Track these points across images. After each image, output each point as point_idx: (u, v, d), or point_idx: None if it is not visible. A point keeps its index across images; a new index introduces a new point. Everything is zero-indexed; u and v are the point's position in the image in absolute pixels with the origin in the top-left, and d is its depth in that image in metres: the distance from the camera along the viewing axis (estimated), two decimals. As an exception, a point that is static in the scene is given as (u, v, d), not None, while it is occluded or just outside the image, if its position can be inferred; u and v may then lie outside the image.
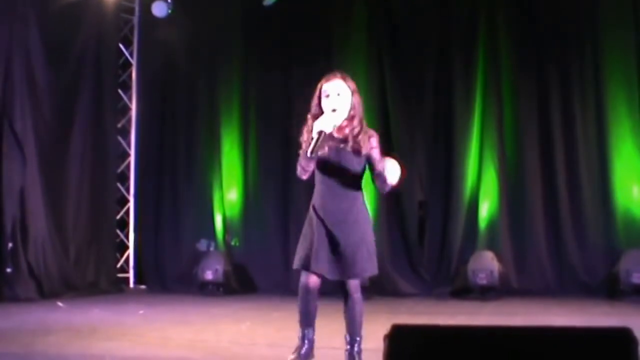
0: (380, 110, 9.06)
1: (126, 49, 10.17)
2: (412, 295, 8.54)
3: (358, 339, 4.09)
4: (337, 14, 9.41)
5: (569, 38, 8.74)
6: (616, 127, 8.49)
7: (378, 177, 4.01)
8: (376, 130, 4.24)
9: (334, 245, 4.00)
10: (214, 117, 9.84)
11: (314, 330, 4.15)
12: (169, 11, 9.45)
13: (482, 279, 8.06)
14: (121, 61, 10.11)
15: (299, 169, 4.05)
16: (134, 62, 10.24)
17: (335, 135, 4.06)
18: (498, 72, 8.92)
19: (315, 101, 4.11)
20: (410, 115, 9.08)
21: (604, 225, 8.49)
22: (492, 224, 8.75)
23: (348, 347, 4.09)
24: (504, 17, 8.96)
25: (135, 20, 10.21)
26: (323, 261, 3.99)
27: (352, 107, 4.08)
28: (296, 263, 4.10)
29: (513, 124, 8.91)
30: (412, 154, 8.96)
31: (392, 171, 3.93)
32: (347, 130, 4.07)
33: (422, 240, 9.00)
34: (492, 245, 8.58)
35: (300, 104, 8.99)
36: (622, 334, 2.21)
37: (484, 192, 8.81)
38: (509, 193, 8.79)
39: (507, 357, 2.23)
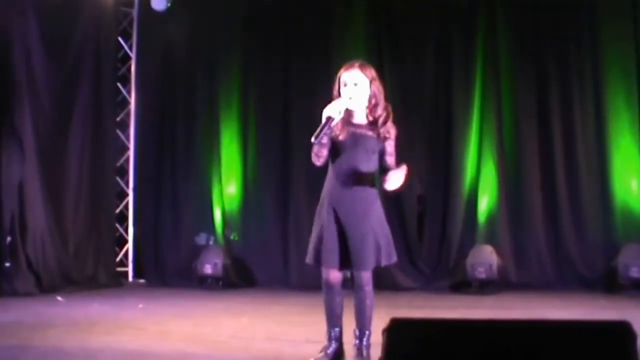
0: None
1: (125, 42, 10.15)
2: (412, 289, 8.56)
3: (367, 332, 4.08)
4: (336, 10, 9.39)
5: (568, 31, 8.73)
6: (615, 121, 8.49)
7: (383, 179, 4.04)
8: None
9: (343, 236, 4.01)
10: (214, 111, 9.82)
11: (341, 329, 4.14)
12: (168, 4, 9.41)
13: (481, 273, 8.09)
14: (120, 54, 10.08)
15: (312, 154, 4.06)
16: (133, 55, 10.21)
17: (356, 121, 4.10)
18: (497, 66, 8.91)
19: (335, 91, 4.15)
20: (410, 109, 9.03)
21: (603, 220, 8.49)
22: (491, 218, 8.76)
23: (357, 341, 4.09)
24: (504, 10, 8.95)
25: (135, 13, 10.17)
26: (334, 254, 4.00)
27: (373, 96, 4.13)
28: (308, 258, 4.13)
29: (512, 118, 8.91)
30: (411, 148, 8.90)
31: (394, 181, 3.95)
32: (370, 118, 4.12)
33: (422, 234, 9.01)
34: (491, 239, 8.59)
35: (299, 97, 9.06)
36: (621, 328, 2.24)
37: (483, 186, 8.81)
38: (508, 187, 8.79)
39: (505, 350, 2.25)
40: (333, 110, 3.95)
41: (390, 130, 4.14)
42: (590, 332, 2.29)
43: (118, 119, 10.02)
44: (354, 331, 4.11)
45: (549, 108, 8.75)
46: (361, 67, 4.13)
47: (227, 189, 9.68)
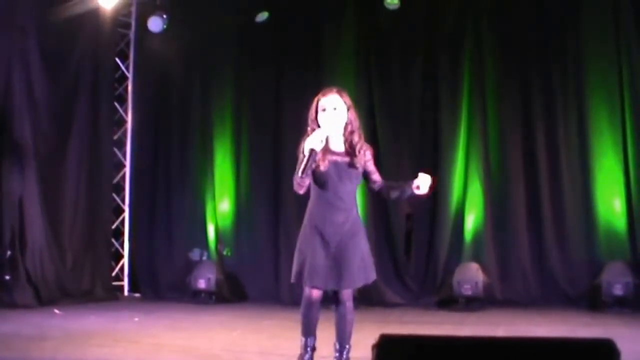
0: (368, 124, 9.06)
1: (122, 63, 10.30)
2: (399, 305, 8.61)
3: (347, 346, 4.20)
4: (327, 30, 9.52)
5: (553, 53, 8.82)
6: (598, 140, 8.56)
7: (400, 195, 4.20)
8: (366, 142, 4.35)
9: (329, 256, 4.08)
10: (207, 129, 9.94)
11: (315, 337, 4.24)
12: (164, 26, 9.53)
13: (467, 290, 8.14)
14: (117, 75, 10.21)
15: (294, 184, 4.09)
16: (130, 75, 10.36)
17: (333, 149, 4.16)
18: (483, 86, 9.01)
19: (312, 115, 4.17)
20: (397, 129, 9.15)
21: (587, 238, 8.55)
22: (477, 236, 8.82)
23: (337, 354, 4.19)
24: (490, 31, 9.05)
25: (132, 35, 10.33)
26: (318, 274, 4.07)
27: (349, 122, 4.17)
28: (293, 277, 4.19)
29: (497, 137, 8.99)
30: (399, 168, 8.96)
31: (423, 187, 4.10)
32: (347, 145, 4.17)
33: (409, 252, 9.06)
34: (477, 257, 8.67)
35: (291, 116, 9.18)
36: (606, 346, 2.31)
37: (470, 205, 8.88)
38: (494, 206, 8.86)
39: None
40: (315, 142, 3.95)
41: (367, 153, 4.21)
42: (575, 350, 2.33)
43: (115, 137, 10.15)
44: (334, 345, 4.22)
45: (534, 128, 8.84)
46: (339, 93, 4.18)
47: (220, 206, 9.78)
